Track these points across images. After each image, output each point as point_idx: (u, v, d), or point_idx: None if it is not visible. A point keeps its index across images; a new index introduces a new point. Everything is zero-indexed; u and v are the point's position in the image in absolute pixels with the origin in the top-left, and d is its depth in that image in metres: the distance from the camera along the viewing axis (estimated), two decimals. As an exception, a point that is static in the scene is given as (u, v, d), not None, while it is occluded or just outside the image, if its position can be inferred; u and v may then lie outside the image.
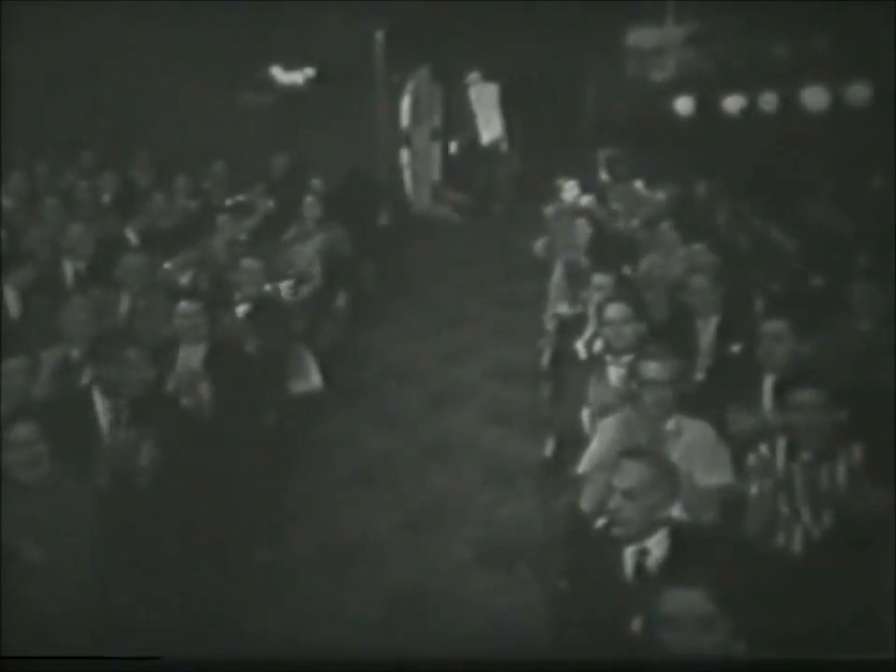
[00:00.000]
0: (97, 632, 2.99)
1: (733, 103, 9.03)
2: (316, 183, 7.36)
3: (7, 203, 7.14)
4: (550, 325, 5.31)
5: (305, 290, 5.77)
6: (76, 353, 4.32)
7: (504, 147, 9.04)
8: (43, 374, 4.26)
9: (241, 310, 5.01)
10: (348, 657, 3.32)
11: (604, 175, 7.87)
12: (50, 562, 2.94)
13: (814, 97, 8.34)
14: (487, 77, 8.99)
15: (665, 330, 4.33)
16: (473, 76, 9.01)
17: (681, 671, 2.09)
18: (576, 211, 6.52)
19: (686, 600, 2.04)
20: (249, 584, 3.81)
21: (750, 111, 8.87)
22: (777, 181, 6.91)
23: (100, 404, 3.67)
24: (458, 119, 9.25)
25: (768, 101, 8.77)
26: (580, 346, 4.32)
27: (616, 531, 2.78)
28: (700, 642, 2.01)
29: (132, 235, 6.27)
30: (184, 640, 3.25)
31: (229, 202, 6.96)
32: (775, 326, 3.53)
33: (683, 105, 9.30)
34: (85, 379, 3.97)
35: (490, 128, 9.10)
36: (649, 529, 2.73)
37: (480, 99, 9.05)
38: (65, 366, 4.25)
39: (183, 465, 3.70)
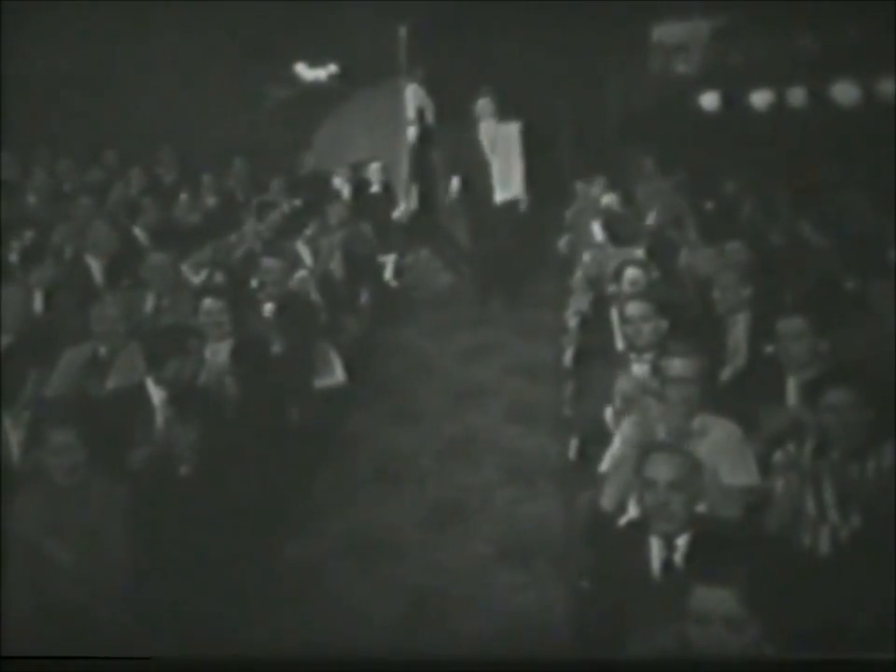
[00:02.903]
0: (126, 627, 3.04)
1: (760, 98, 8.95)
2: (340, 179, 7.41)
3: (31, 199, 7.27)
4: (572, 322, 5.31)
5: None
6: (103, 350, 4.39)
7: (524, 205, 6.74)
8: (70, 371, 4.35)
9: (267, 308, 5.07)
10: (370, 653, 3.37)
11: (628, 173, 7.82)
12: (82, 563, 2.99)
13: (844, 92, 8.26)
14: (503, 105, 6.69)
15: (693, 328, 4.32)
16: (483, 103, 6.69)
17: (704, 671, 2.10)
18: (599, 209, 6.50)
19: (715, 599, 2.03)
20: (277, 580, 3.85)
21: (778, 106, 8.79)
22: (807, 177, 6.85)
23: (156, 396, 3.78)
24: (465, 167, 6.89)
25: (796, 96, 8.69)
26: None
27: (662, 527, 2.73)
28: (728, 642, 2.00)
29: (140, 234, 6.32)
30: (210, 636, 3.31)
31: (254, 201, 7.00)
32: (794, 324, 3.52)
33: (709, 100, 9.24)
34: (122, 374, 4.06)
35: (508, 183, 6.71)
36: (688, 524, 2.72)
37: (495, 142, 6.69)
38: (94, 363, 4.32)
39: (211, 460, 3.76)
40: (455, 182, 6.94)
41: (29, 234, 6.12)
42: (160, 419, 3.79)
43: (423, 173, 7.88)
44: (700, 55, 9.56)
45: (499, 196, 6.69)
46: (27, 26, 7.94)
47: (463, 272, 7.28)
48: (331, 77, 8.94)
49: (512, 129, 6.71)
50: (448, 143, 7.56)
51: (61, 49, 8.17)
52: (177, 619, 3.21)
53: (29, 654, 2.23)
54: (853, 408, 2.98)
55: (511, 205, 6.68)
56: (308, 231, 6.36)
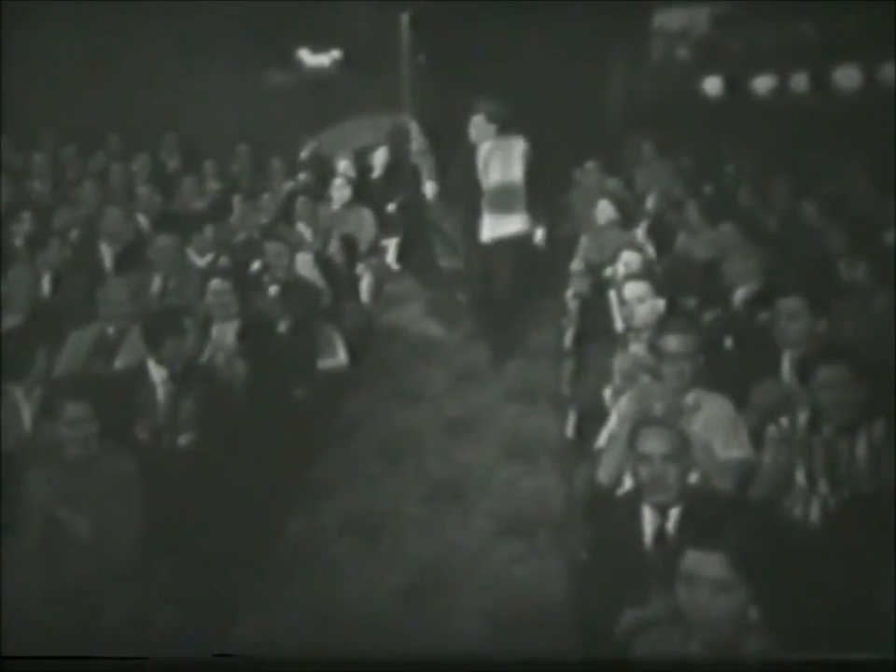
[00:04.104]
0: (134, 596, 3.11)
1: (762, 83, 8.98)
2: (343, 164, 7.46)
3: (36, 185, 7.34)
4: (572, 304, 5.39)
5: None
6: (111, 331, 4.48)
7: (539, 238, 5.44)
8: (79, 351, 4.43)
9: (271, 290, 5.15)
10: (373, 625, 3.47)
11: (629, 157, 7.87)
12: (97, 536, 3.07)
13: (846, 77, 8.28)
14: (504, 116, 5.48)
15: (692, 308, 4.40)
16: (478, 121, 5.45)
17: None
18: (599, 192, 6.55)
19: (704, 562, 2.08)
20: (281, 554, 3.94)
21: (781, 91, 8.81)
22: (808, 161, 6.88)
23: (156, 375, 3.89)
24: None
25: (799, 81, 8.71)
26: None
27: (657, 498, 2.81)
28: (715, 604, 2.06)
29: (143, 219, 6.39)
30: (215, 607, 3.39)
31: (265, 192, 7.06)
32: (790, 303, 3.60)
33: (712, 85, 9.26)
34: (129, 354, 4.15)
35: (511, 217, 5.42)
36: (682, 495, 2.80)
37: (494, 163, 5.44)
38: (102, 343, 4.41)
39: (216, 437, 3.85)
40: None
41: (33, 218, 6.18)
42: (161, 397, 3.87)
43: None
44: (701, 41, 9.58)
45: (496, 231, 5.43)
46: (31, 12, 7.99)
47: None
48: (334, 62, 8.98)
49: (516, 147, 5.45)
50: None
51: (64, 38, 8.23)
52: (183, 590, 3.29)
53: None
54: (846, 385, 3.05)
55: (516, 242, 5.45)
56: (310, 215, 6.41)
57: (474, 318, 5.84)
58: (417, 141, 7.23)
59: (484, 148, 5.45)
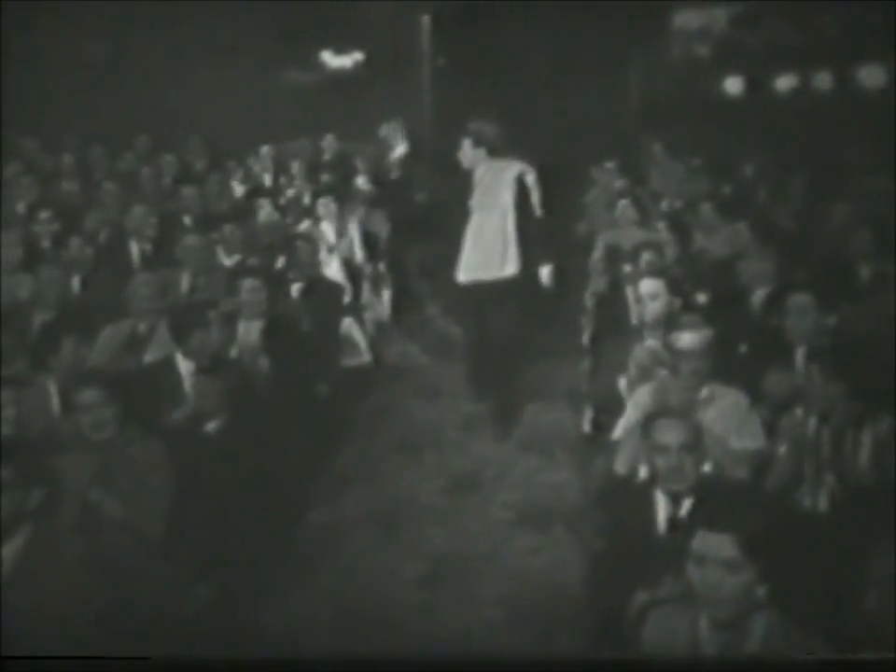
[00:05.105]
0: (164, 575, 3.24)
1: (784, 82, 8.99)
2: (363, 166, 7.59)
3: (66, 186, 7.51)
4: (589, 302, 5.47)
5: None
6: (141, 326, 4.62)
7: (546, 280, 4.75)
8: (111, 345, 4.58)
9: (295, 288, 5.28)
10: (394, 613, 3.57)
11: (647, 157, 7.92)
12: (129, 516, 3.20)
13: (870, 75, 8.28)
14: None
15: (710, 306, 4.47)
16: (467, 146, 4.81)
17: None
18: (617, 192, 6.62)
19: (714, 542, 2.14)
20: (303, 544, 4.06)
21: (803, 90, 8.82)
22: (828, 160, 6.90)
23: (184, 368, 4.03)
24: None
25: (822, 80, 8.72)
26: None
27: (674, 487, 2.88)
28: (724, 583, 2.14)
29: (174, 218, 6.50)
30: (242, 590, 3.52)
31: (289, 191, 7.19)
32: (800, 299, 3.68)
33: (733, 84, 9.29)
34: (158, 348, 4.29)
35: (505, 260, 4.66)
36: (697, 484, 2.88)
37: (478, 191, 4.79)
38: (134, 338, 4.55)
39: (242, 429, 3.97)
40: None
41: (61, 218, 6.34)
42: (189, 388, 4.01)
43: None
44: (722, 40, 9.60)
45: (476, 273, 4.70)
46: (59, 13, 8.17)
47: None
48: (356, 64, 9.10)
49: (508, 172, 4.76)
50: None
51: (90, 39, 8.40)
52: (208, 571, 3.41)
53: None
54: (854, 379, 3.13)
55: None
56: (333, 215, 6.53)
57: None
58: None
59: (478, 174, 4.78)
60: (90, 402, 3.33)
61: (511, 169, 4.76)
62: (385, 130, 7.66)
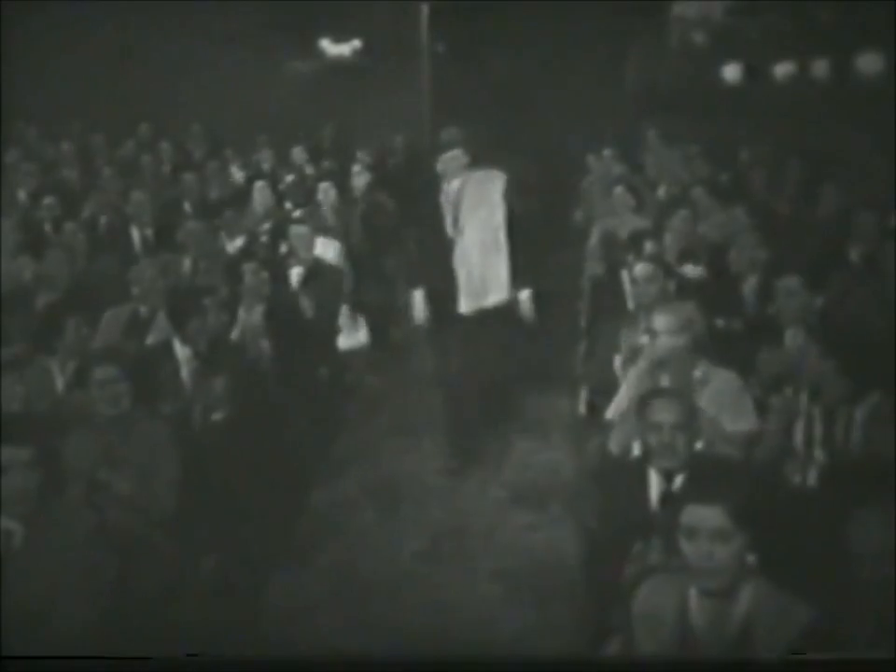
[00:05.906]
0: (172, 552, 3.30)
1: (782, 69, 9.03)
2: (362, 153, 7.63)
3: (66, 173, 7.57)
4: (586, 287, 5.53)
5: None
6: (143, 310, 4.68)
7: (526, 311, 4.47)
8: (113, 328, 4.64)
9: (295, 272, 5.34)
10: (395, 586, 3.66)
11: (643, 144, 7.97)
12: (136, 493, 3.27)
13: (868, 62, 8.31)
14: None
15: (704, 289, 4.53)
16: (447, 159, 4.40)
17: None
18: (613, 178, 6.67)
19: (704, 514, 2.20)
20: (306, 522, 4.15)
21: (801, 77, 8.85)
22: (824, 146, 6.94)
23: (181, 353, 4.07)
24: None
25: (819, 67, 8.75)
26: None
27: (666, 464, 2.94)
28: (714, 552, 2.20)
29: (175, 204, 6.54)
30: (249, 563, 3.60)
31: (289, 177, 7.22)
32: (788, 282, 3.75)
33: (731, 72, 9.34)
34: (158, 332, 4.35)
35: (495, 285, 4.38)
36: (689, 461, 2.94)
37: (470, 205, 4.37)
38: (135, 321, 4.61)
39: (243, 412, 4.04)
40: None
41: (61, 204, 6.39)
42: (186, 374, 4.06)
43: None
44: (720, 28, 9.64)
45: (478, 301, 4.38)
46: (62, 2, 8.20)
47: None
48: (355, 52, 9.15)
49: (495, 186, 4.38)
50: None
51: (91, 28, 8.43)
52: (214, 549, 3.48)
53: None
54: (844, 360, 3.21)
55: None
56: (332, 200, 6.58)
57: None
58: None
59: (453, 187, 4.35)
60: (105, 378, 3.40)
61: (494, 182, 4.39)
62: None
